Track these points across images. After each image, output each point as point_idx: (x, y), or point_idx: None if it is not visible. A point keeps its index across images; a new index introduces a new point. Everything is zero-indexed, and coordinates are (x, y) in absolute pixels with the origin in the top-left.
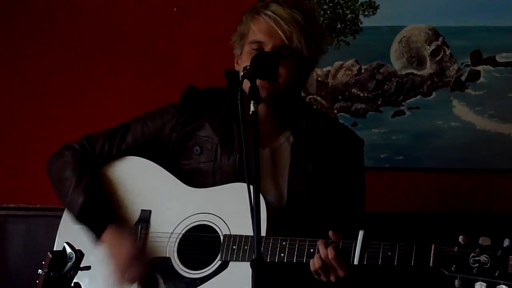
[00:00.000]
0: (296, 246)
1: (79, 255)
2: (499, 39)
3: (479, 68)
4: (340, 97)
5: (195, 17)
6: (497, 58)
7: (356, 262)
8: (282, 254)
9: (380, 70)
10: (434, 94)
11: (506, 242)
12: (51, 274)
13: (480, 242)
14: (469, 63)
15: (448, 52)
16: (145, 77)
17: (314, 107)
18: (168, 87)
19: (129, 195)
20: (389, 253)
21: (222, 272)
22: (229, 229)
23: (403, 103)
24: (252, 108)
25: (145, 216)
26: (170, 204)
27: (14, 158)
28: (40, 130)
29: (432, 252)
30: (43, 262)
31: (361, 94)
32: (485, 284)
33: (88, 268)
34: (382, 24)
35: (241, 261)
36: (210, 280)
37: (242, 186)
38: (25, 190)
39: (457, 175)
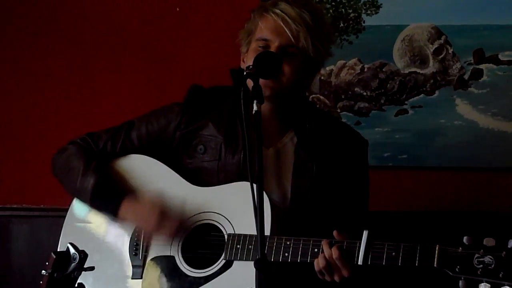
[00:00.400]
0: (300, 246)
1: (83, 255)
2: (502, 38)
3: (482, 66)
4: (343, 96)
5: (198, 17)
6: (499, 56)
7: (360, 262)
8: (286, 254)
9: (383, 69)
10: (437, 92)
11: (511, 243)
12: (55, 274)
13: (484, 243)
14: (472, 61)
15: (450, 50)
16: (149, 76)
17: (317, 106)
18: (172, 87)
19: (133, 190)
20: (393, 253)
21: (226, 271)
22: (233, 228)
23: (406, 102)
24: (255, 108)
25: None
26: (175, 203)
27: (17, 158)
28: (43, 130)
29: (436, 252)
30: (47, 263)
31: (364, 93)
32: (490, 285)
33: (92, 268)
34: (385, 23)
35: (245, 260)
36: (214, 279)
37: (247, 185)
38: (29, 190)
39: (460, 173)
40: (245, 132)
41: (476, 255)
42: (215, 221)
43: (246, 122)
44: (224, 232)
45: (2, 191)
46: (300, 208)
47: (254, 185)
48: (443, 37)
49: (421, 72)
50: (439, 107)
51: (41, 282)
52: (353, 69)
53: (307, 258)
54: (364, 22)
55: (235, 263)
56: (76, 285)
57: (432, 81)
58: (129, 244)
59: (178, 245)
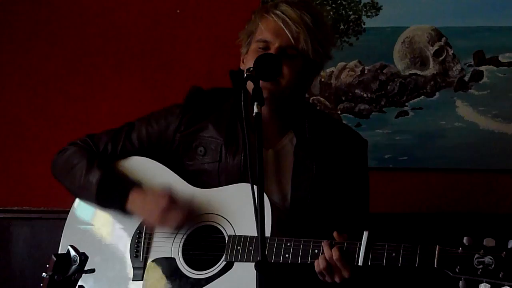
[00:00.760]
0: (301, 247)
1: (83, 258)
2: (502, 39)
3: (482, 68)
4: (343, 98)
5: (199, 19)
6: (500, 58)
7: (360, 263)
8: (287, 255)
9: (383, 71)
10: (437, 94)
11: (511, 244)
12: (55, 277)
13: (484, 243)
14: (472, 63)
15: (451, 52)
16: (149, 78)
17: (318, 108)
18: (172, 88)
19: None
20: (394, 254)
21: (227, 273)
22: (234, 229)
23: (406, 104)
24: (255, 110)
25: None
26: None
27: (18, 160)
28: (44, 132)
29: (436, 253)
30: (47, 265)
31: (365, 95)
32: (490, 286)
33: (92, 271)
34: (385, 25)
35: (246, 261)
36: (215, 281)
37: (247, 186)
38: (29, 192)
39: (460, 175)
40: (246, 134)
41: (476, 256)
42: (216, 222)
43: (246, 124)
44: (225, 234)
45: (3, 193)
46: (300, 209)
47: (255, 187)
48: (443, 39)
49: (421, 74)
50: (439, 109)
51: (41, 284)
52: (354, 71)
53: (308, 259)
54: (364, 24)
55: (236, 264)
56: None
57: (432, 82)
58: (130, 246)
59: (179, 247)
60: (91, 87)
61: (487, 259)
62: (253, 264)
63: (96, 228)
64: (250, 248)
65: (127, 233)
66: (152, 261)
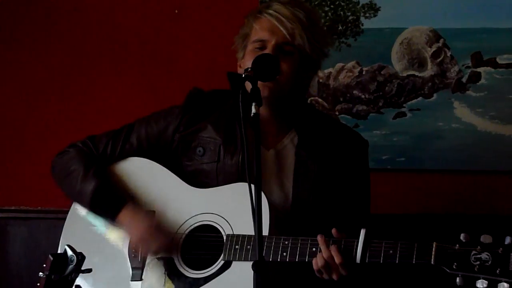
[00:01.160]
0: (298, 245)
1: (80, 257)
2: (500, 41)
3: (480, 69)
4: (341, 99)
5: (197, 19)
6: (497, 59)
7: (358, 260)
8: (285, 254)
9: (381, 72)
10: (435, 95)
11: (508, 240)
12: (52, 277)
13: (481, 240)
14: (470, 64)
15: (449, 53)
16: (147, 78)
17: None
18: (170, 89)
19: (133, 196)
20: (391, 251)
21: (225, 272)
22: (232, 229)
23: (404, 105)
24: (253, 110)
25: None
26: (174, 205)
27: (15, 160)
28: (42, 132)
29: (433, 250)
30: (44, 265)
31: (362, 96)
32: (487, 282)
33: (89, 270)
34: (383, 26)
35: (244, 260)
36: (213, 280)
37: (245, 186)
38: (26, 192)
39: (458, 176)
40: (244, 134)
41: (473, 252)
42: (214, 222)
43: (244, 124)
44: (223, 233)
45: (0, 193)
46: (301, 209)
47: (253, 186)
48: (441, 40)
49: (419, 75)
50: (437, 110)
51: (38, 284)
52: (352, 71)
53: (305, 258)
54: (362, 25)
55: (234, 263)
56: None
57: (430, 84)
58: (129, 243)
59: (177, 246)
60: (89, 87)
61: (484, 255)
62: (251, 263)
63: (95, 229)
64: (248, 247)
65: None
66: (151, 261)
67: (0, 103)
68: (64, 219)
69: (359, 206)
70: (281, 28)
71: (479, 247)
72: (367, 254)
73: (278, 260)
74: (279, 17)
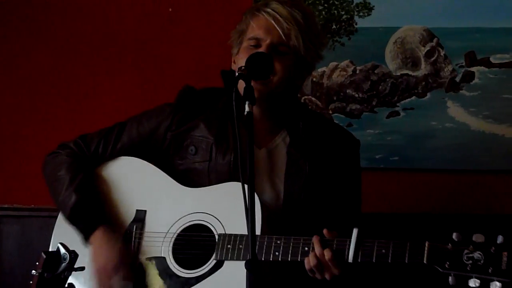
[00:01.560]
0: (291, 244)
1: (73, 255)
2: (494, 41)
3: (473, 69)
4: (335, 98)
5: (191, 17)
6: (491, 59)
7: (350, 260)
8: (277, 253)
9: (375, 71)
10: (428, 95)
11: (500, 239)
12: (45, 274)
13: (473, 239)
14: (464, 64)
15: (442, 53)
16: (141, 77)
17: (309, 107)
18: (164, 87)
19: (124, 195)
20: (383, 250)
21: (217, 271)
22: (224, 228)
23: (397, 104)
24: (247, 109)
25: (140, 216)
26: (165, 204)
27: (8, 158)
28: (35, 130)
29: (426, 249)
30: (37, 263)
31: (356, 95)
32: (479, 281)
33: (82, 268)
34: (377, 25)
35: (236, 260)
36: (205, 280)
37: (237, 185)
38: (19, 190)
39: (451, 175)
40: (237, 133)
41: (466, 251)
42: (206, 221)
43: (237, 123)
44: (215, 233)
45: None
46: (293, 208)
47: (246, 186)
48: (435, 40)
49: (413, 74)
50: (430, 109)
51: (31, 282)
52: (345, 70)
53: (298, 257)
54: (356, 24)
55: (226, 263)
56: (66, 286)
57: (423, 83)
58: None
59: (169, 246)
60: (83, 85)
61: (476, 254)
62: (243, 262)
63: None
64: (240, 246)
65: (117, 233)
66: (143, 260)
67: None
68: (57, 217)
69: (350, 205)
70: (277, 28)
71: (471, 246)
72: (360, 254)
73: (271, 259)
74: (276, 16)
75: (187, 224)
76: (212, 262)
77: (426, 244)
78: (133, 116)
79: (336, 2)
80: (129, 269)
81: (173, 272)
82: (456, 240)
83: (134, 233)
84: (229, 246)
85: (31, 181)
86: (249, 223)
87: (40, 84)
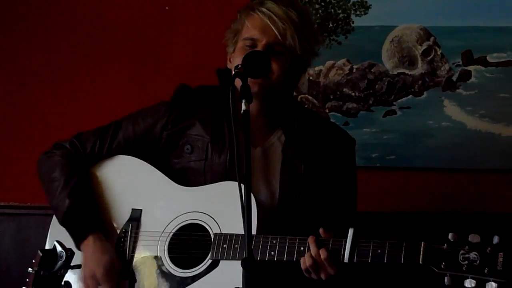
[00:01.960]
0: (286, 244)
1: (70, 253)
2: (490, 39)
3: (470, 68)
4: (331, 97)
5: (187, 15)
6: (488, 58)
7: (346, 260)
8: (272, 253)
9: (372, 70)
10: (425, 94)
11: (496, 239)
12: (41, 272)
13: (469, 239)
14: (460, 63)
15: (439, 52)
16: (137, 75)
17: (306, 106)
18: (161, 85)
19: (119, 194)
20: (379, 250)
21: (213, 271)
22: (219, 227)
23: (394, 103)
24: (243, 107)
25: (136, 215)
26: (161, 203)
27: (4, 156)
28: (31, 128)
29: (421, 249)
30: (33, 261)
31: (353, 94)
32: (475, 281)
33: (78, 266)
34: (374, 23)
35: (232, 259)
36: (201, 279)
37: (233, 184)
38: (16, 188)
39: (448, 174)
40: (233, 132)
41: (461, 252)
42: (201, 221)
43: (234, 122)
44: (211, 232)
45: None
46: (288, 207)
47: (242, 185)
48: (431, 39)
49: (409, 73)
50: (427, 108)
51: (27, 279)
52: (342, 69)
53: (293, 257)
54: (353, 23)
55: (222, 262)
56: (62, 283)
57: (420, 82)
58: (116, 245)
59: (165, 245)
60: (79, 83)
61: (472, 255)
62: (238, 262)
63: None
64: (236, 246)
65: (113, 231)
66: (138, 259)
67: None
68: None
69: (346, 204)
70: (273, 28)
71: (467, 246)
72: (355, 254)
73: (266, 259)
74: (272, 16)
75: (183, 224)
76: (207, 262)
77: (422, 245)
78: (129, 114)
79: (333, 1)
80: (118, 280)
81: (168, 271)
82: (452, 240)
83: (129, 232)
84: (224, 245)
85: (27, 179)
86: (246, 222)
87: (35, 82)
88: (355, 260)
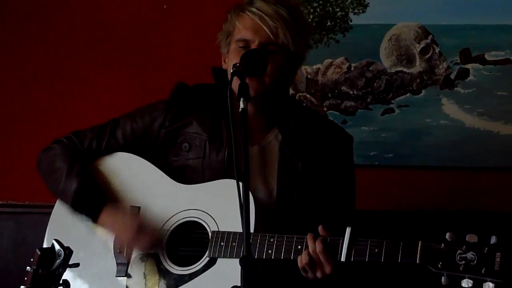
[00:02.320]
0: (284, 242)
1: (68, 252)
2: (488, 37)
3: (468, 66)
4: (329, 95)
5: (185, 14)
6: (486, 56)
7: (343, 259)
8: (270, 251)
9: (370, 68)
10: (423, 92)
11: (493, 239)
12: (40, 271)
13: (467, 239)
14: (458, 61)
15: (437, 50)
16: (136, 73)
17: (304, 104)
18: (158, 84)
19: (118, 192)
20: (376, 249)
21: (210, 269)
22: (217, 225)
23: (392, 101)
24: (241, 106)
25: (134, 213)
26: (159, 201)
27: (3, 154)
28: (29, 127)
29: (419, 249)
30: (32, 259)
31: (351, 92)
32: (472, 281)
33: (77, 265)
34: (372, 22)
35: (229, 257)
36: (198, 277)
37: (231, 182)
38: (14, 187)
39: (445, 172)
40: (231, 130)
41: (459, 251)
42: (199, 218)
43: (232, 120)
44: (208, 230)
45: None
46: (286, 205)
47: (240, 183)
48: (430, 37)
49: (407, 71)
50: (425, 106)
51: (25, 278)
52: (340, 67)
53: (291, 255)
54: (351, 21)
55: (219, 260)
56: (61, 282)
57: (418, 80)
58: (114, 242)
59: (163, 243)
60: (78, 82)
61: (469, 255)
62: (236, 260)
63: (81, 224)
64: (234, 244)
65: None
66: (136, 256)
67: None
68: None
69: (343, 202)
70: (264, 27)
71: (464, 246)
72: (353, 253)
73: (264, 257)
74: (262, 15)
75: (181, 221)
76: (205, 259)
77: (419, 244)
78: (127, 113)
79: None
80: (154, 231)
81: (166, 268)
82: (449, 240)
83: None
84: (222, 243)
85: (26, 178)
86: (244, 220)
87: (34, 81)
88: (352, 259)
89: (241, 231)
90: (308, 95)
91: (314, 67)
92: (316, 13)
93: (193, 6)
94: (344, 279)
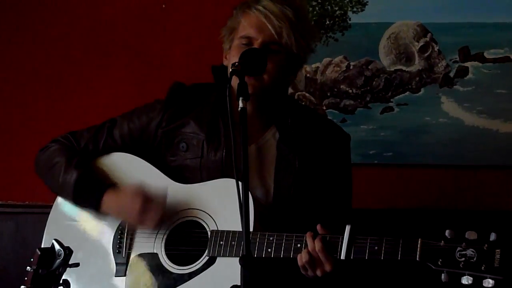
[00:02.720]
0: (283, 241)
1: (68, 252)
2: (487, 36)
3: (467, 64)
4: (328, 94)
5: (184, 14)
6: (485, 54)
7: (343, 257)
8: (269, 250)
9: (369, 67)
10: (422, 90)
11: (493, 236)
12: (40, 271)
13: (466, 236)
14: (458, 59)
15: (436, 48)
16: (134, 73)
17: (303, 103)
18: (157, 83)
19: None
20: (376, 247)
21: (209, 268)
22: (216, 224)
23: (391, 100)
24: (240, 105)
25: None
26: None
27: (1, 155)
28: (28, 127)
29: (418, 246)
30: (32, 259)
31: (350, 91)
32: (472, 278)
33: (77, 265)
34: (371, 20)
35: (228, 256)
36: (198, 276)
37: (229, 181)
38: (14, 187)
39: (445, 171)
40: (231, 130)
41: (458, 248)
42: (198, 218)
43: (231, 119)
44: (207, 229)
45: None
46: (283, 204)
47: (240, 183)
48: (428, 35)
49: (406, 69)
50: (424, 104)
51: (26, 278)
52: (339, 66)
53: (290, 254)
54: (350, 20)
55: (218, 259)
56: (61, 282)
57: (417, 78)
58: (113, 242)
59: (162, 242)
60: (76, 82)
61: (469, 252)
62: (235, 259)
63: (79, 224)
64: (233, 243)
65: (109, 228)
66: (135, 256)
67: None
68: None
69: (340, 200)
70: (269, 26)
71: (464, 243)
72: (352, 251)
73: (263, 256)
74: (268, 14)
75: (180, 221)
76: (204, 259)
77: (419, 241)
78: (124, 113)
79: None
80: (155, 207)
81: (165, 268)
82: (449, 237)
83: (126, 229)
84: (221, 242)
85: (25, 178)
86: (243, 219)
87: (34, 81)
88: (352, 257)
89: (240, 230)
90: (307, 94)
91: (313, 66)
92: (315, 12)
93: (192, 6)
94: (344, 277)
